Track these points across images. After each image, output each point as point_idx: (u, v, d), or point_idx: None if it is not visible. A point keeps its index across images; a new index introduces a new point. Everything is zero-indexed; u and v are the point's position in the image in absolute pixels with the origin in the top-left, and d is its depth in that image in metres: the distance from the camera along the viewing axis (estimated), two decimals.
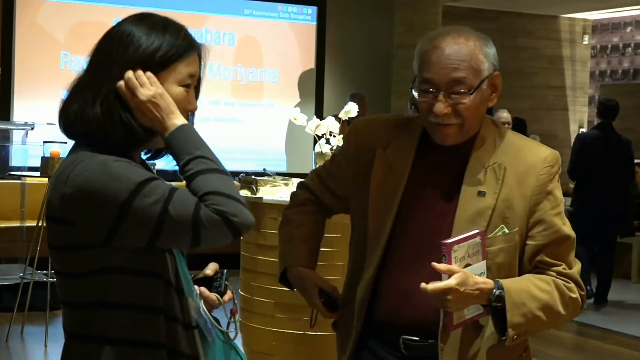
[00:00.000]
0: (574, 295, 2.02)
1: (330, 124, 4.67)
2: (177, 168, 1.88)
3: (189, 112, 1.81)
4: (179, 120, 1.73)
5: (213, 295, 1.86)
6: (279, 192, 4.83)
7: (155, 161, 1.93)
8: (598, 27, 11.19)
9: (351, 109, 4.82)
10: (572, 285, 2.03)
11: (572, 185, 8.24)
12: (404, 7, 10.10)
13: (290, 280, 2.22)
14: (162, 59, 1.73)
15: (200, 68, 1.82)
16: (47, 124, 7.42)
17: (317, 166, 2.33)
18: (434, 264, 1.85)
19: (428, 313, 1.96)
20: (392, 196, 2.05)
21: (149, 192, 1.64)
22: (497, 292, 1.92)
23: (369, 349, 2.11)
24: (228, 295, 1.89)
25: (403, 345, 2.04)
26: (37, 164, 5.91)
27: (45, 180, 5.91)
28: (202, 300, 1.85)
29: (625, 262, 8.86)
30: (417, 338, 2.02)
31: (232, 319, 1.90)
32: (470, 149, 2.04)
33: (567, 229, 2.05)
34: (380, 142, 2.11)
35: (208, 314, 1.84)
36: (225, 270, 1.92)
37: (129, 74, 1.71)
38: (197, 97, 1.84)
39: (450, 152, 2.05)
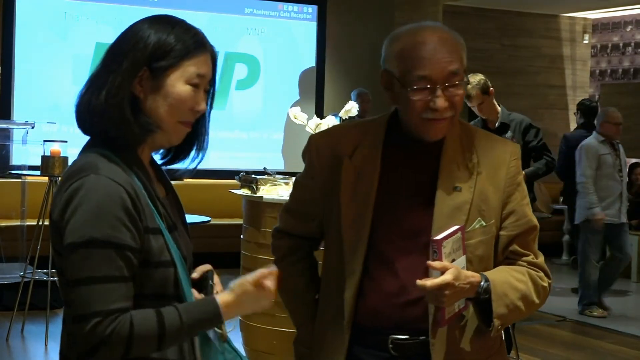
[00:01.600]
0: (544, 284, 2.07)
1: (330, 123, 4.67)
2: (181, 167, 1.88)
3: (197, 113, 1.80)
4: (226, 306, 1.76)
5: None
6: (279, 191, 4.83)
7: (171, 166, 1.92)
8: (598, 26, 11.20)
9: (351, 108, 4.82)
10: (541, 274, 2.08)
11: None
12: (404, 5, 10.10)
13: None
14: (169, 55, 1.75)
15: (214, 71, 1.83)
16: (48, 122, 7.43)
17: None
18: (430, 262, 1.85)
19: (414, 311, 1.96)
20: (365, 203, 2.03)
21: (98, 256, 1.64)
22: (485, 284, 1.94)
23: (356, 356, 2.07)
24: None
25: (392, 346, 2.01)
26: (38, 163, 5.90)
27: (45, 179, 5.90)
28: None
29: None
30: (406, 337, 2.01)
31: None
32: (438, 145, 2.04)
33: (535, 219, 2.11)
34: (345, 150, 2.08)
35: None
36: (209, 272, 1.90)
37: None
38: (212, 102, 1.86)
39: (418, 149, 2.05)
